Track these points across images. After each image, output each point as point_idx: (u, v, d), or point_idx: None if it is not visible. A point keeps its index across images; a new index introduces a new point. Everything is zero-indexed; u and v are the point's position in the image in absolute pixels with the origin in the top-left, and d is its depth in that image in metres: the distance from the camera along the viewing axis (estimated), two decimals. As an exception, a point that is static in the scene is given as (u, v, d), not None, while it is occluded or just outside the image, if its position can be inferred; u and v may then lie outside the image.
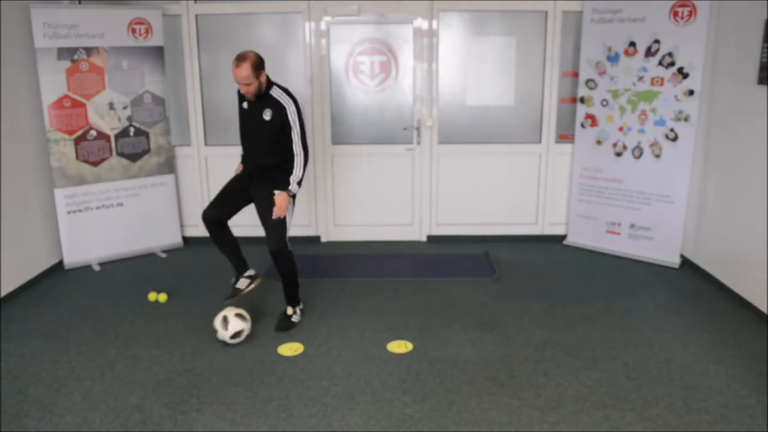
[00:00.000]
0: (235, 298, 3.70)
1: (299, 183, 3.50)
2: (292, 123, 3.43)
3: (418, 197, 5.19)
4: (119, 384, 3.04)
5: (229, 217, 3.65)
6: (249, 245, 5.14)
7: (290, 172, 3.49)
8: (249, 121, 3.55)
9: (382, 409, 2.81)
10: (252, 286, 3.76)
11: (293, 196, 3.56)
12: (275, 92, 3.44)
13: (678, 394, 2.90)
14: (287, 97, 3.44)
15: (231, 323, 3.39)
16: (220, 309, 3.88)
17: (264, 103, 3.43)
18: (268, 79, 3.44)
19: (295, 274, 3.65)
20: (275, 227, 3.50)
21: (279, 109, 3.42)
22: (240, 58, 3.30)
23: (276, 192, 3.47)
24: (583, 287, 4.22)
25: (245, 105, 3.54)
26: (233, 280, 3.79)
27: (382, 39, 4.93)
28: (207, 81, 5.01)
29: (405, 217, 5.26)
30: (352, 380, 3.05)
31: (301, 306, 3.76)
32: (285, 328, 3.61)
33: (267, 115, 3.43)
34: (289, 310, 3.68)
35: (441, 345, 3.41)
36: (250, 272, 3.79)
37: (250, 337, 3.49)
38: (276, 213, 3.45)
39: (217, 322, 3.41)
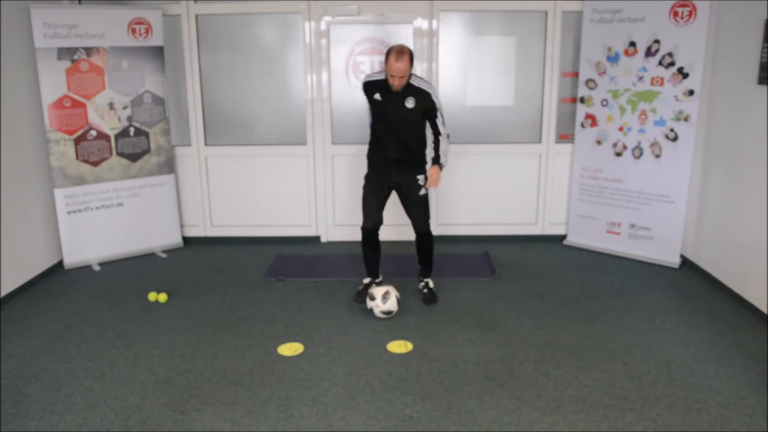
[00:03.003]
0: (362, 300, 3.90)
1: (446, 156, 3.79)
2: (438, 105, 3.66)
3: (418, 197, 5.18)
4: (119, 384, 3.04)
5: (382, 220, 3.90)
6: (248, 245, 5.15)
7: (425, 156, 3.81)
8: (387, 110, 3.67)
9: (382, 409, 2.81)
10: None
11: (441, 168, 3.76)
12: (415, 81, 3.62)
13: (678, 394, 2.90)
14: (426, 83, 3.67)
15: (390, 301, 3.70)
16: (220, 309, 3.90)
17: (406, 92, 3.60)
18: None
19: (433, 251, 3.98)
20: (423, 209, 3.83)
21: (423, 96, 3.61)
22: (400, 52, 3.46)
23: (429, 170, 3.73)
24: (583, 287, 4.22)
25: (378, 96, 3.67)
26: (368, 281, 4.05)
27: (382, 39, 4.92)
28: (207, 81, 5.01)
29: (405, 217, 5.23)
30: (352, 380, 3.05)
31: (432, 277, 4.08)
32: (435, 299, 3.95)
33: (410, 103, 3.62)
34: (431, 283, 4.03)
35: (441, 345, 3.41)
36: (380, 279, 4.11)
37: (248, 338, 3.49)
38: (431, 183, 3.71)
39: (378, 293, 3.70)
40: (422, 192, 3.80)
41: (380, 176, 3.83)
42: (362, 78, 3.85)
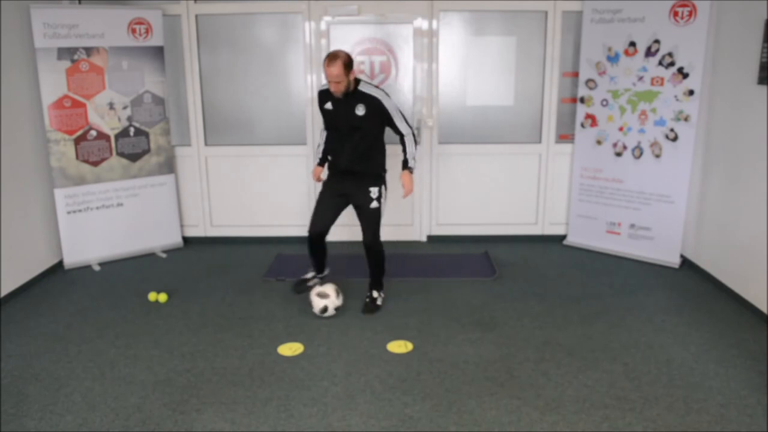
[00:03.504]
0: (300, 291, 4.04)
1: (414, 159, 3.73)
2: (390, 110, 3.59)
3: (418, 197, 5.19)
4: (119, 384, 3.04)
5: (330, 227, 3.84)
6: (248, 245, 5.15)
7: (382, 166, 3.75)
8: (338, 119, 3.64)
9: (382, 409, 2.81)
10: (318, 280, 4.11)
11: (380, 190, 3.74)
12: (364, 87, 3.57)
13: (678, 394, 2.90)
14: (375, 89, 3.60)
15: (313, 302, 3.72)
16: (220, 309, 3.90)
17: (355, 99, 3.55)
18: (355, 78, 3.58)
19: (383, 262, 3.88)
20: (374, 223, 3.73)
21: (373, 102, 3.55)
22: (332, 57, 3.41)
23: (401, 177, 3.70)
24: (583, 287, 4.22)
25: (329, 106, 3.64)
26: (309, 275, 4.12)
27: (382, 39, 4.93)
28: (207, 81, 5.01)
29: (405, 217, 5.26)
30: (352, 380, 3.05)
31: (383, 289, 3.98)
32: (372, 310, 3.83)
33: (360, 110, 3.56)
34: (375, 293, 3.91)
35: (441, 345, 3.41)
36: (324, 273, 4.15)
37: (250, 336, 3.49)
38: (407, 192, 3.69)
39: (331, 290, 3.74)
40: (374, 205, 3.70)
41: (336, 185, 3.78)
42: (319, 88, 3.78)
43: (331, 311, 3.72)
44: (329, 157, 3.86)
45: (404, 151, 3.71)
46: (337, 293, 3.75)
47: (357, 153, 3.66)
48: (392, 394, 2.93)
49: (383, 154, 3.76)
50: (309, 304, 3.76)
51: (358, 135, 3.62)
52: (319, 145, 3.96)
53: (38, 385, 3.03)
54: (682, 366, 3.16)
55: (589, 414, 2.76)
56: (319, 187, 3.93)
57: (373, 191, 3.70)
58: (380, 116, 3.60)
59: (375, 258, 3.84)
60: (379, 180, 3.74)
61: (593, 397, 2.88)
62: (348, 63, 3.44)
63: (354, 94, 3.55)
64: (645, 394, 2.90)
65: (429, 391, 2.94)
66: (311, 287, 3.91)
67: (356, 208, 3.77)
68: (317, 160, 3.96)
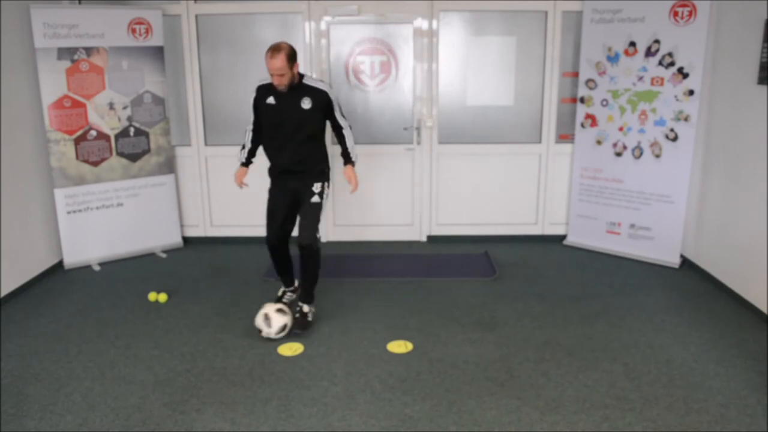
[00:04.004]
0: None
1: (354, 152, 3.67)
2: (334, 103, 3.52)
3: (418, 197, 5.19)
4: (119, 384, 3.04)
5: (290, 232, 3.68)
6: (248, 245, 5.15)
7: (325, 162, 3.62)
8: (282, 114, 3.48)
9: (382, 409, 2.81)
10: (294, 296, 3.93)
11: (321, 194, 3.59)
12: (308, 81, 3.48)
13: (678, 394, 2.90)
14: (321, 82, 3.53)
15: (273, 320, 3.44)
16: (220, 309, 3.90)
17: (300, 93, 3.44)
18: (299, 72, 3.48)
19: (318, 269, 3.65)
20: (312, 219, 3.53)
21: (319, 94, 3.46)
22: (274, 49, 3.30)
23: (344, 173, 3.63)
24: (583, 287, 4.22)
25: (271, 100, 3.48)
26: (280, 293, 3.94)
27: (382, 39, 4.93)
28: (207, 81, 5.01)
29: (405, 217, 5.26)
30: (352, 380, 3.05)
31: (315, 303, 3.76)
32: (303, 326, 3.55)
33: (306, 103, 3.45)
34: (305, 308, 3.64)
35: (441, 345, 3.41)
36: (294, 287, 3.95)
37: (249, 337, 3.49)
38: (354, 187, 3.62)
39: (260, 321, 3.45)
40: (314, 199, 3.54)
41: (281, 186, 3.63)
42: (257, 84, 3.59)
43: (286, 331, 3.46)
44: (269, 161, 3.65)
45: (343, 144, 3.63)
46: (281, 329, 3.46)
47: (300, 150, 3.52)
48: (392, 394, 2.93)
49: (326, 151, 3.65)
50: (263, 321, 3.43)
51: (302, 130, 3.49)
52: (244, 146, 3.72)
53: (38, 385, 3.03)
54: (682, 366, 3.16)
55: (589, 414, 2.76)
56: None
57: (316, 186, 3.55)
58: (324, 109, 3.50)
59: (310, 262, 3.56)
60: (323, 176, 3.60)
61: (593, 397, 2.88)
62: (291, 55, 3.33)
63: (299, 88, 3.43)
64: (645, 394, 2.90)
65: (429, 391, 2.94)
66: (287, 303, 3.80)
67: (300, 205, 3.60)
68: (241, 162, 3.73)
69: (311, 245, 3.49)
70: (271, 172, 3.67)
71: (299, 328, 3.54)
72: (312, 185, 3.55)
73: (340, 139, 3.65)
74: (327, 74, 4.96)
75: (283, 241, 3.67)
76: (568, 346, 3.38)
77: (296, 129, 3.49)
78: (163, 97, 4.86)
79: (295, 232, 3.64)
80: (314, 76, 4.83)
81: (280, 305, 3.53)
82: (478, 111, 5.04)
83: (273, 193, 3.68)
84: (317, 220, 3.55)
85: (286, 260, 3.78)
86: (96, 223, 4.69)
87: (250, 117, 3.66)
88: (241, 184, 3.72)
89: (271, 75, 3.36)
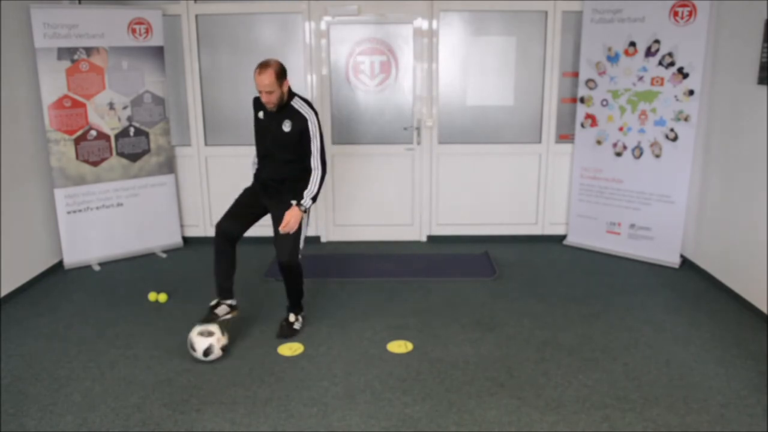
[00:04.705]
0: (209, 321, 3.39)
1: (314, 199, 3.36)
2: (312, 135, 3.31)
3: (418, 197, 5.19)
4: (119, 384, 3.04)
5: (243, 232, 3.49)
6: (248, 245, 5.14)
7: (303, 187, 3.35)
8: (267, 131, 3.40)
9: (382, 409, 2.81)
10: (229, 315, 3.48)
11: (306, 211, 3.38)
12: (296, 103, 3.34)
13: (678, 394, 2.90)
14: (308, 108, 3.34)
15: (197, 343, 3.21)
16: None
17: (284, 114, 3.32)
18: (290, 89, 3.34)
19: (301, 284, 3.55)
20: (288, 239, 3.35)
21: (300, 120, 3.30)
22: (263, 66, 3.18)
23: (292, 203, 3.34)
24: (583, 287, 4.22)
25: (261, 115, 3.42)
26: (213, 303, 3.51)
27: (382, 39, 4.93)
28: (207, 81, 5.01)
29: (405, 217, 5.26)
30: (352, 380, 3.05)
31: (303, 313, 3.67)
32: (287, 335, 3.51)
33: (287, 126, 3.31)
34: (291, 317, 3.58)
35: (441, 345, 3.40)
36: (232, 302, 3.54)
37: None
38: (284, 228, 3.29)
39: (189, 347, 3.25)
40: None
41: (255, 191, 3.54)
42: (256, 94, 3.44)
43: (216, 352, 3.22)
44: (257, 167, 3.59)
45: (308, 176, 3.35)
46: (222, 331, 3.28)
47: (282, 170, 3.40)
48: (392, 394, 2.93)
49: (307, 178, 3.36)
50: (189, 347, 3.23)
51: (283, 153, 3.36)
52: (254, 163, 3.63)
53: (38, 385, 3.03)
54: (682, 366, 3.16)
55: (589, 414, 2.76)
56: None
57: (294, 203, 3.35)
58: (301, 135, 3.31)
59: (290, 280, 3.48)
60: (300, 197, 3.35)
61: (593, 397, 2.88)
62: (280, 72, 3.19)
63: (285, 108, 3.31)
64: (645, 394, 2.90)
65: (429, 391, 2.94)
66: (219, 316, 3.43)
67: (274, 220, 3.40)
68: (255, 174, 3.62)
69: (290, 262, 3.37)
70: (255, 177, 3.60)
71: (283, 336, 3.49)
72: (290, 203, 3.35)
73: (308, 174, 3.37)
74: (327, 74, 4.96)
75: (231, 238, 3.45)
76: (568, 346, 3.38)
77: (277, 149, 3.38)
78: (163, 97, 4.86)
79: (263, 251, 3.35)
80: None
81: (203, 327, 3.26)
82: (478, 111, 5.04)
83: (247, 190, 3.58)
84: (297, 240, 3.37)
85: (228, 261, 3.49)
86: (96, 223, 4.69)
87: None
88: None
89: (259, 92, 3.25)
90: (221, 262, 3.49)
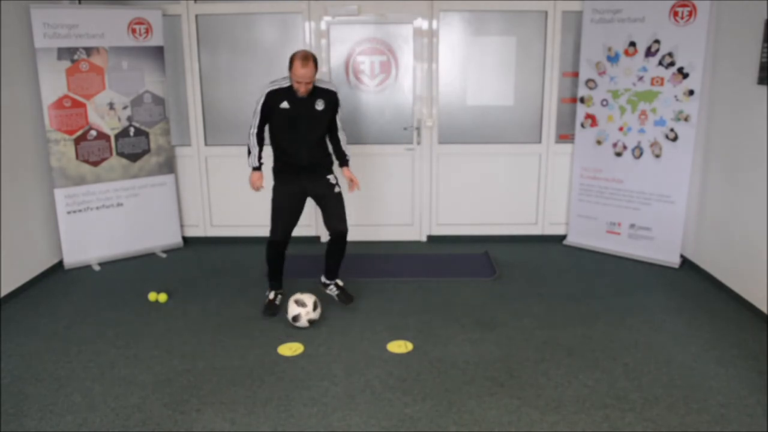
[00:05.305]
0: (270, 314, 3.80)
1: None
2: (340, 103, 3.73)
3: (418, 197, 5.19)
4: (119, 384, 3.04)
5: (293, 229, 3.79)
6: (249, 245, 5.15)
7: (330, 156, 3.80)
8: (298, 118, 3.58)
9: (382, 409, 2.81)
10: (280, 296, 3.91)
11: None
12: (318, 83, 3.59)
13: (678, 394, 2.90)
14: (329, 82, 3.73)
15: (289, 307, 3.58)
16: (220, 309, 3.90)
17: (314, 95, 3.57)
18: None
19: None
20: (342, 205, 3.73)
21: (330, 96, 3.64)
22: (306, 58, 3.40)
23: (342, 171, 3.80)
24: (583, 287, 4.22)
25: (285, 105, 3.54)
26: (272, 295, 3.87)
27: (382, 39, 4.93)
28: (207, 81, 5.01)
29: (405, 217, 5.26)
30: (352, 380, 3.05)
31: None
32: (352, 298, 3.92)
33: (320, 105, 3.60)
34: (339, 281, 4.00)
35: (441, 345, 3.41)
36: (282, 290, 3.93)
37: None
38: (356, 184, 3.78)
39: (309, 300, 3.60)
40: (337, 189, 3.75)
41: (292, 187, 3.68)
42: (266, 89, 3.59)
43: (303, 322, 3.56)
44: (278, 162, 3.71)
45: (339, 144, 3.79)
46: (315, 306, 3.60)
47: (315, 149, 3.68)
48: (392, 394, 2.93)
49: (330, 156, 3.84)
50: (285, 310, 3.64)
51: (316, 131, 3.65)
52: (250, 151, 3.71)
53: (38, 385, 3.03)
54: (682, 366, 3.16)
55: (589, 414, 2.76)
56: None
57: (331, 177, 3.76)
58: (333, 110, 3.68)
59: (344, 249, 3.81)
60: (331, 169, 3.80)
61: (593, 397, 2.88)
62: (317, 63, 3.48)
63: (313, 91, 3.55)
64: (645, 394, 2.90)
65: (429, 391, 2.94)
66: (278, 303, 3.85)
67: (319, 198, 3.74)
68: (254, 166, 3.72)
69: (346, 231, 3.73)
70: (283, 171, 3.70)
71: (350, 301, 3.91)
72: (327, 178, 3.74)
73: (335, 140, 3.79)
74: (327, 74, 4.96)
75: (287, 240, 3.74)
76: (568, 346, 3.38)
77: (311, 130, 3.63)
78: (163, 97, 4.86)
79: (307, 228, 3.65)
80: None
81: (301, 296, 3.61)
82: (478, 111, 5.04)
83: (282, 191, 3.69)
84: (344, 207, 3.76)
85: (283, 260, 3.82)
86: (96, 223, 4.69)
87: (254, 120, 3.65)
88: (259, 187, 3.74)
89: (297, 82, 3.44)
90: (280, 263, 3.83)
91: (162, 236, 5.03)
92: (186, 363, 3.23)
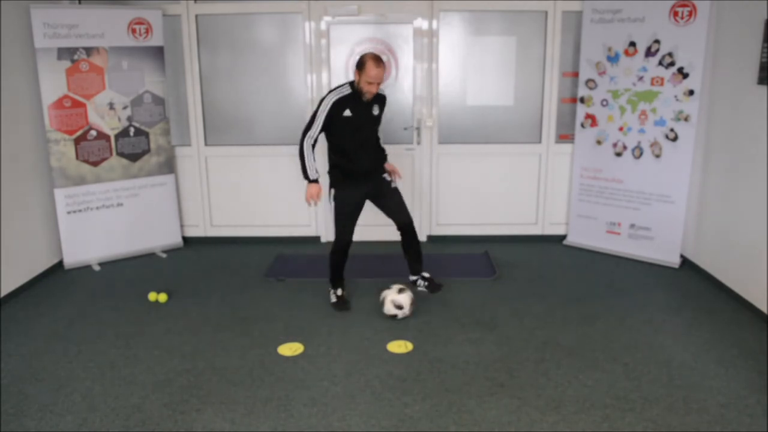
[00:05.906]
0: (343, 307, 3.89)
1: None
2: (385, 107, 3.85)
3: (418, 197, 5.19)
4: (119, 384, 3.04)
5: None
6: (249, 245, 5.16)
7: (384, 155, 3.95)
8: (362, 124, 3.67)
9: (382, 409, 2.81)
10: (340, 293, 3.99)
11: None
12: None
13: (678, 394, 2.90)
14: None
15: (386, 305, 3.70)
16: (220, 309, 3.91)
17: (371, 101, 3.66)
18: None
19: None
20: (402, 201, 3.87)
21: (382, 100, 3.79)
22: (379, 60, 3.49)
23: (386, 166, 3.91)
24: (583, 287, 4.22)
25: (348, 113, 3.59)
26: (339, 292, 3.94)
27: (382, 39, 4.93)
28: (207, 81, 5.01)
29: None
30: (352, 380, 3.05)
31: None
32: (439, 287, 4.06)
33: (376, 110, 3.73)
34: (427, 274, 4.10)
35: (441, 345, 3.41)
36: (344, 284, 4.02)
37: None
38: (398, 174, 3.91)
39: (381, 299, 3.73)
40: (394, 185, 3.89)
41: (355, 194, 3.76)
42: (330, 98, 3.57)
43: (396, 315, 3.73)
44: (341, 169, 3.75)
45: (379, 141, 3.91)
46: (412, 308, 3.71)
47: (374, 152, 3.84)
48: (392, 394, 2.93)
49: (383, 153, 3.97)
50: (382, 300, 3.74)
51: (374, 134, 3.83)
52: (305, 161, 3.60)
53: (38, 385, 3.03)
54: (682, 366, 3.16)
55: (589, 414, 2.76)
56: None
57: (386, 175, 3.90)
58: (383, 112, 3.82)
59: (415, 236, 3.93)
60: (385, 168, 3.93)
61: (593, 397, 2.88)
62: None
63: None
64: (645, 394, 2.90)
65: (429, 391, 2.94)
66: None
67: (379, 198, 3.85)
68: (312, 178, 3.63)
69: (412, 221, 3.88)
70: (346, 178, 3.75)
71: (437, 288, 4.05)
72: (384, 176, 3.87)
73: (377, 138, 3.93)
74: (327, 74, 4.96)
75: (352, 241, 3.85)
76: (568, 346, 3.38)
77: (371, 133, 3.80)
78: (163, 97, 4.86)
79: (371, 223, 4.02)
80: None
81: (399, 298, 3.68)
82: (478, 111, 5.04)
83: (347, 197, 3.75)
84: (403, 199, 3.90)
85: (346, 260, 3.93)
86: (96, 223, 4.69)
87: (313, 128, 3.59)
88: (317, 200, 3.69)
89: (368, 83, 3.51)
90: (344, 262, 3.92)
91: (162, 236, 5.03)
92: (186, 363, 3.24)
